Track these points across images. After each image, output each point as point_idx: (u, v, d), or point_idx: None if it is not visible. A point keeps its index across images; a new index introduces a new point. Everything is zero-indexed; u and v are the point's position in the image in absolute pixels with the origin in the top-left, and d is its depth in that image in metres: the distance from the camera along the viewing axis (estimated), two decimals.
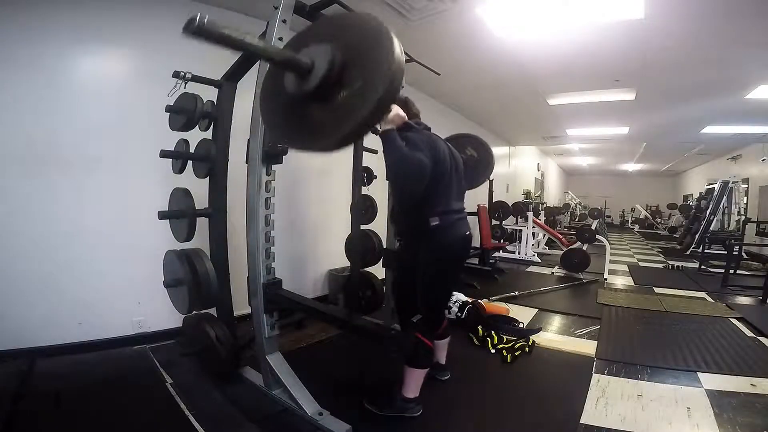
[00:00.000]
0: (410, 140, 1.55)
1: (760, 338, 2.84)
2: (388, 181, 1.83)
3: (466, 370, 2.24)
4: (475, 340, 2.65)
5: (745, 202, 8.09)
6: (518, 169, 9.77)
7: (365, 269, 2.88)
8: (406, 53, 2.64)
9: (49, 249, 2.28)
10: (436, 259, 1.70)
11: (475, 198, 5.90)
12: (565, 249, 5.44)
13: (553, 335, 2.90)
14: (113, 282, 2.46)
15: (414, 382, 1.75)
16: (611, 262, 5.50)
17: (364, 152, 3.30)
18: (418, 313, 1.83)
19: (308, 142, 1.12)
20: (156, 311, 2.52)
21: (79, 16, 2.30)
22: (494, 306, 3.29)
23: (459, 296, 3.10)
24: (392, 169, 1.46)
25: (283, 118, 1.17)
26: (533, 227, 6.57)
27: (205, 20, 0.79)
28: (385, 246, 2.91)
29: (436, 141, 1.74)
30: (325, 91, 1.01)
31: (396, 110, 1.54)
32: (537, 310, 3.50)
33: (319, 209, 3.67)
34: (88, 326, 2.37)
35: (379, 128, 1.47)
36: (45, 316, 2.26)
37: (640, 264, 6.52)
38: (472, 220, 3.71)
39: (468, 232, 1.80)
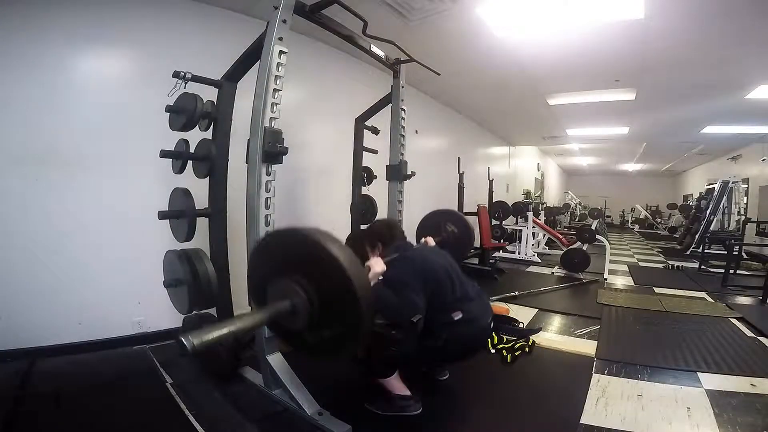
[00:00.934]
0: (392, 282, 1.58)
1: (760, 338, 2.84)
2: (388, 181, 1.84)
3: (465, 370, 2.23)
4: None
5: (745, 202, 8.09)
6: (518, 169, 9.77)
7: None
8: (406, 53, 2.66)
9: (49, 249, 2.28)
10: (454, 350, 1.74)
11: (475, 198, 5.90)
12: (565, 249, 5.44)
13: (553, 335, 2.90)
14: (113, 282, 2.46)
15: (393, 386, 1.76)
16: (611, 262, 5.50)
17: (364, 152, 3.31)
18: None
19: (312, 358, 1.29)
20: (156, 311, 2.52)
21: (79, 16, 2.30)
22: (494, 306, 3.28)
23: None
24: (387, 318, 1.52)
25: (284, 337, 1.28)
26: (533, 227, 6.57)
27: (195, 342, 0.84)
28: None
29: (425, 258, 1.78)
30: (317, 323, 1.09)
31: (373, 268, 1.55)
32: (537, 310, 3.50)
33: (319, 209, 3.66)
34: (88, 326, 2.37)
35: None
36: (45, 316, 2.26)
37: (640, 264, 6.52)
38: (472, 220, 3.71)
39: (489, 320, 1.85)
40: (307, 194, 3.57)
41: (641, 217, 14.65)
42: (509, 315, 3.07)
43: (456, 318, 1.69)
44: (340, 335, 1.08)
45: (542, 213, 8.05)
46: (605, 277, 4.90)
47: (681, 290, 4.43)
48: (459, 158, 5.47)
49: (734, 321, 3.24)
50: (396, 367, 1.76)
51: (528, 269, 5.65)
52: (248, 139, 1.79)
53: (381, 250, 1.87)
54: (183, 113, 2.07)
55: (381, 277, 1.59)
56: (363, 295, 1.01)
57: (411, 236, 2.40)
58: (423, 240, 2.29)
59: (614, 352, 2.53)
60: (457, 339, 1.71)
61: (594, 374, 2.22)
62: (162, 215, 1.99)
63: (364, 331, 1.05)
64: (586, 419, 1.76)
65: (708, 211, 7.60)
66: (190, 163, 2.17)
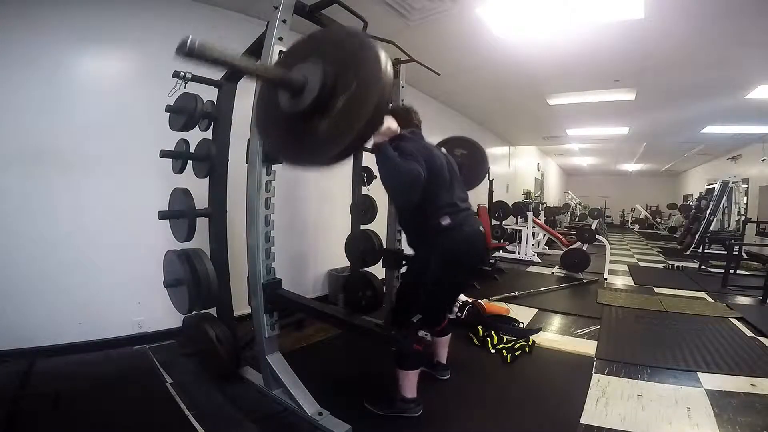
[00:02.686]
0: (402, 150, 1.54)
1: (760, 338, 2.84)
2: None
3: (466, 370, 2.24)
4: (475, 340, 2.65)
5: (745, 202, 8.09)
6: (518, 169, 9.77)
7: (365, 269, 2.88)
8: (406, 53, 2.65)
9: (49, 249, 2.28)
10: (457, 260, 1.67)
11: (475, 198, 5.90)
12: (565, 249, 5.44)
13: (553, 335, 2.90)
14: (113, 282, 2.46)
15: (408, 383, 1.74)
16: (611, 262, 5.50)
17: (364, 152, 3.30)
18: (419, 314, 1.82)
19: (306, 159, 1.15)
20: (156, 311, 2.52)
21: (79, 16, 2.30)
22: (494, 306, 3.28)
23: (459, 296, 3.10)
24: (386, 180, 1.46)
25: (280, 135, 1.19)
26: (533, 227, 6.57)
27: (197, 43, 0.81)
28: (385, 246, 2.91)
29: (431, 148, 1.75)
30: (319, 108, 1.03)
31: (388, 123, 1.53)
32: (537, 310, 3.50)
33: (319, 209, 3.67)
34: (88, 326, 2.37)
35: (371, 140, 1.47)
36: (45, 316, 2.26)
37: (640, 264, 6.52)
38: None
39: (481, 227, 1.79)
40: (307, 194, 3.57)
41: (641, 217, 14.65)
42: (509, 315, 3.07)
43: (444, 223, 1.64)
44: (348, 115, 1.01)
45: (542, 213, 8.05)
46: (605, 277, 4.90)
47: (681, 290, 4.43)
48: None
49: (734, 321, 3.24)
50: (420, 362, 1.75)
51: (528, 269, 5.65)
52: (248, 139, 1.79)
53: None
54: (183, 113, 2.07)
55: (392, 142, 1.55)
56: (384, 71, 0.97)
57: None
58: None
59: (614, 352, 2.53)
60: (454, 244, 1.65)
61: (594, 374, 2.22)
62: (162, 215, 1.99)
63: (370, 110, 0.97)
64: (586, 419, 1.76)
65: (708, 211, 7.60)
66: (190, 163, 2.17)
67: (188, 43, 0.81)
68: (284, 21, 1.74)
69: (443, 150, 1.87)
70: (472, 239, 1.74)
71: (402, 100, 2.75)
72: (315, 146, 1.07)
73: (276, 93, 1.14)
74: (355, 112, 0.99)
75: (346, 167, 3.36)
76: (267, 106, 1.23)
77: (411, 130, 1.79)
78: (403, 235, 2.34)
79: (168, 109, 2.10)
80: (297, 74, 1.04)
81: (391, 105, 2.05)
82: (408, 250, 2.10)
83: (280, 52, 1.73)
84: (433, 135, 5.89)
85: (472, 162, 2.60)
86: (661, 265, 6.36)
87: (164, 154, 2.07)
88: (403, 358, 1.72)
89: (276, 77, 1.04)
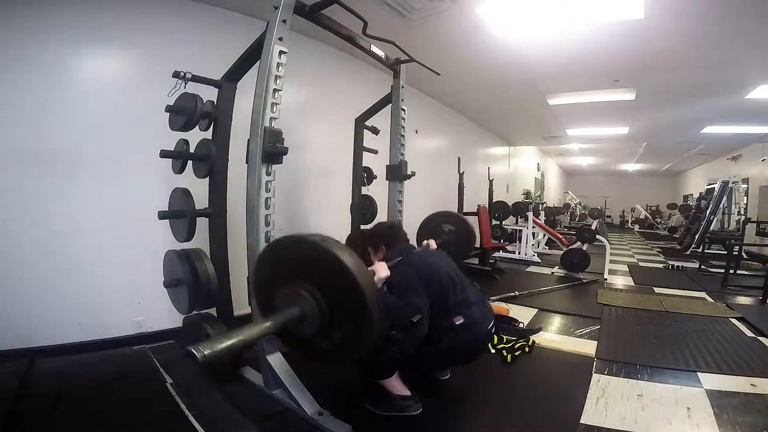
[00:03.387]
0: (397, 286, 1.58)
1: (760, 338, 2.84)
2: (388, 181, 1.85)
3: (466, 370, 2.23)
4: None
5: (745, 202, 8.09)
6: (518, 169, 9.77)
7: None
8: (406, 53, 2.66)
9: (49, 249, 2.28)
10: (454, 353, 1.74)
11: (475, 198, 5.90)
12: (565, 249, 5.44)
13: (553, 335, 2.90)
14: (113, 282, 2.46)
15: (393, 387, 1.75)
16: (611, 262, 5.50)
17: (364, 152, 3.31)
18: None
19: (316, 362, 1.31)
20: (156, 311, 2.52)
21: (79, 16, 2.30)
22: (494, 306, 3.28)
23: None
24: (389, 321, 1.49)
25: (291, 344, 1.31)
26: (533, 227, 6.57)
27: (206, 353, 0.86)
28: None
29: (425, 264, 1.78)
30: (322, 334, 1.12)
31: (378, 273, 1.53)
32: (537, 310, 3.49)
33: (319, 209, 3.66)
34: (88, 326, 2.37)
35: None
36: (45, 316, 2.26)
37: (640, 264, 6.52)
38: (472, 220, 3.71)
39: (491, 326, 1.84)
40: (307, 194, 3.57)
41: (641, 217, 14.65)
42: (509, 315, 3.07)
43: (458, 323, 1.69)
44: (351, 338, 1.09)
45: (542, 213, 8.05)
46: (605, 277, 4.90)
47: (681, 290, 4.43)
48: (459, 158, 5.47)
49: (734, 321, 3.23)
50: (395, 368, 1.76)
51: (528, 269, 5.65)
52: (248, 139, 1.79)
53: (384, 252, 1.87)
54: (183, 113, 2.07)
55: (384, 282, 1.59)
56: (371, 298, 1.03)
57: (411, 236, 2.40)
58: (425, 242, 2.29)
59: (614, 352, 2.53)
60: (458, 344, 1.71)
61: (594, 374, 2.22)
62: (162, 215, 1.99)
63: (375, 333, 1.06)
64: (586, 419, 1.76)
65: (708, 211, 7.60)
66: (190, 163, 2.17)
67: (200, 358, 0.86)
68: (284, 21, 1.74)
69: (440, 255, 1.94)
70: (480, 340, 1.83)
71: (402, 100, 2.75)
72: (323, 355, 1.20)
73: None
74: (351, 347, 1.13)
75: (346, 167, 3.37)
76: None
77: (399, 248, 1.83)
78: None
79: (168, 109, 2.10)
80: (293, 306, 1.10)
81: (375, 228, 2.10)
82: None
83: (280, 52, 1.73)
84: (433, 135, 5.89)
85: (459, 236, 2.69)
86: (661, 265, 6.36)
87: (164, 154, 2.07)
88: (373, 371, 1.75)
89: (282, 325, 1.10)
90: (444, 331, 1.68)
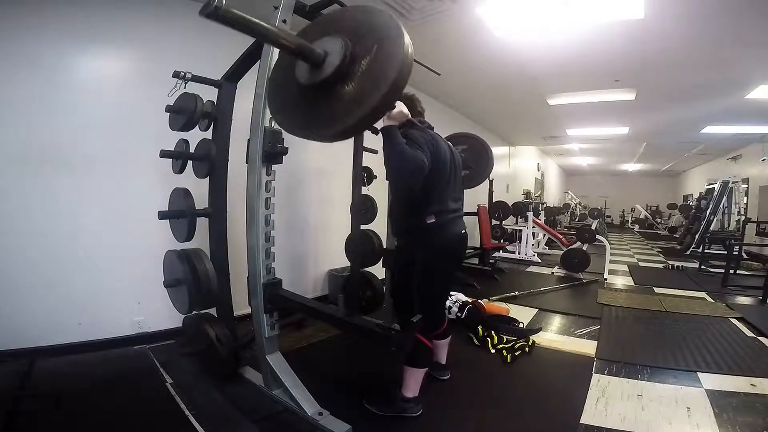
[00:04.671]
0: (411, 137, 1.56)
1: (760, 338, 2.84)
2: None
3: (466, 370, 2.24)
4: (475, 340, 2.65)
5: (745, 202, 8.09)
6: (518, 169, 9.77)
7: (365, 269, 2.88)
8: None
9: (49, 249, 2.28)
10: (432, 258, 1.70)
11: (475, 198, 5.90)
12: (565, 249, 5.44)
13: (553, 335, 2.90)
14: (113, 282, 2.46)
15: (413, 382, 1.75)
16: (611, 262, 5.50)
17: (364, 152, 3.30)
18: (417, 313, 1.82)
19: (318, 129, 1.15)
20: (156, 311, 2.52)
21: (79, 16, 2.30)
22: (494, 306, 3.28)
23: (459, 296, 3.10)
24: (390, 164, 1.46)
25: (293, 106, 1.20)
26: (533, 227, 6.57)
27: (223, 3, 0.83)
28: (385, 246, 2.91)
29: (438, 140, 1.75)
30: (337, 82, 1.05)
31: (399, 107, 1.53)
32: (537, 310, 3.50)
33: (319, 209, 3.66)
34: (88, 326, 2.37)
35: (381, 122, 1.47)
36: (45, 316, 2.26)
37: (640, 264, 6.52)
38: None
39: (463, 231, 1.82)
40: (307, 194, 3.57)
41: (641, 217, 14.65)
42: (509, 315, 3.07)
43: (428, 222, 1.67)
44: (360, 87, 1.03)
45: (542, 213, 8.05)
46: (605, 277, 4.90)
47: (681, 290, 4.43)
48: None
49: (734, 321, 3.24)
50: (431, 360, 1.79)
51: (528, 269, 5.65)
52: (248, 139, 1.79)
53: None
54: (183, 113, 2.08)
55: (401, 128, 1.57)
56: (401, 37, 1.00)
57: None
58: None
59: (614, 352, 2.53)
60: (430, 245, 1.69)
61: (594, 374, 2.22)
62: (162, 215, 1.99)
63: (386, 87, 0.99)
64: (586, 419, 1.76)
65: (708, 211, 7.60)
66: (190, 163, 2.17)
67: (214, 3, 0.83)
68: (284, 21, 1.74)
69: (450, 146, 1.87)
70: (451, 243, 1.78)
71: None
72: (330, 117, 1.08)
73: (293, 65, 1.15)
74: (371, 86, 1.01)
75: (346, 167, 3.36)
76: (283, 77, 1.25)
77: (418, 119, 1.79)
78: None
79: (168, 109, 2.10)
80: (318, 47, 1.06)
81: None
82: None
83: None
84: None
85: (476, 159, 2.61)
86: (661, 265, 6.36)
87: (164, 154, 2.07)
88: (413, 356, 1.72)
89: (298, 46, 1.04)
90: (418, 226, 1.68)
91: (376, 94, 0.99)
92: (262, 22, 0.94)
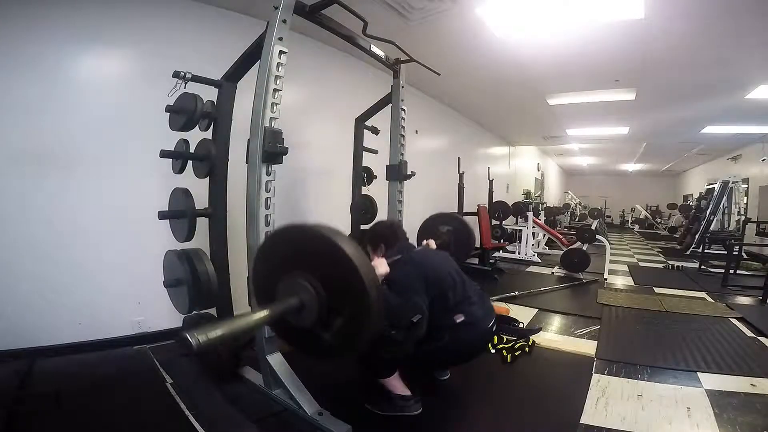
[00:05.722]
0: (397, 284, 1.58)
1: (760, 338, 2.84)
2: (388, 181, 1.84)
3: (466, 370, 2.23)
4: None
5: (745, 202, 8.08)
6: (518, 169, 9.77)
7: None
8: (406, 53, 2.66)
9: (49, 249, 2.28)
10: (455, 351, 1.73)
11: (475, 198, 5.90)
12: (565, 249, 5.44)
13: (553, 335, 2.90)
14: (113, 282, 2.46)
15: (393, 386, 1.75)
16: (611, 262, 5.50)
17: (364, 152, 3.31)
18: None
19: (317, 358, 1.28)
20: (156, 311, 2.52)
21: (79, 16, 2.30)
22: (494, 306, 3.28)
23: None
24: (389, 319, 1.48)
25: (292, 338, 1.27)
26: (533, 227, 6.57)
27: (200, 340, 0.84)
28: None
29: (425, 262, 1.78)
30: (321, 325, 1.10)
31: (377, 269, 1.52)
32: (537, 310, 3.49)
33: (318, 209, 3.66)
34: (88, 326, 2.37)
35: None
36: (45, 316, 2.26)
37: (640, 264, 6.52)
38: (472, 220, 3.72)
39: (492, 324, 1.83)
40: (307, 194, 3.57)
41: (641, 217, 14.65)
42: (509, 315, 3.07)
43: (458, 321, 1.68)
44: (351, 325, 1.07)
45: (542, 213, 8.05)
46: (605, 277, 4.90)
47: (681, 290, 4.42)
48: (459, 158, 5.47)
49: (734, 321, 3.23)
50: (395, 368, 1.76)
51: (528, 269, 5.65)
52: (248, 139, 1.79)
53: (384, 251, 1.87)
54: (183, 113, 2.07)
55: (384, 279, 1.58)
56: (370, 281, 1.01)
57: (411, 236, 2.40)
58: (424, 242, 2.29)
59: (614, 352, 2.53)
60: (459, 342, 1.71)
61: (594, 374, 2.22)
62: (162, 215, 1.99)
63: (375, 319, 1.04)
64: (586, 419, 1.76)
65: (708, 211, 7.60)
66: (190, 163, 2.17)
67: (193, 345, 0.83)
68: (284, 21, 1.74)
69: (440, 254, 1.95)
70: (481, 339, 1.83)
71: (402, 100, 2.75)
72: (323, 350, 1.16)
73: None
74: (351, 337, 1.10)
75: (346, 167, 3.37)
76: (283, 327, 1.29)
77: (399, 247, 1.82)
78: None
79: (168, 109, 2.10)
80: (292, 296, 1.08)
81: (375, 227, 2.09)
82: None
83: (280, 52, 1.73)
84: (433, 135, 5.89)
85: (458, 236, 2.69)
86: (661, 265, 6.36)
87: (164, 154, 2.07)
88: (374, 370, 1.75)
89: (279, 314, 1.08)
90: (444, 329, 1.68)
91: (360, 337, 1.08)
92: (238, 324, 0.97)
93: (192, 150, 2.15)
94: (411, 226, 2.68)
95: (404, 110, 2.76)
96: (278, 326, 1.29)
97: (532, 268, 5.69)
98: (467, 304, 1.74)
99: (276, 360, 1.84)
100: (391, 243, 1.88)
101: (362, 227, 3.11)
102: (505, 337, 2.67)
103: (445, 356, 1.79)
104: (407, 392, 1.76)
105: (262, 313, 1.04)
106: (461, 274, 1.86)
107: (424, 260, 1.79)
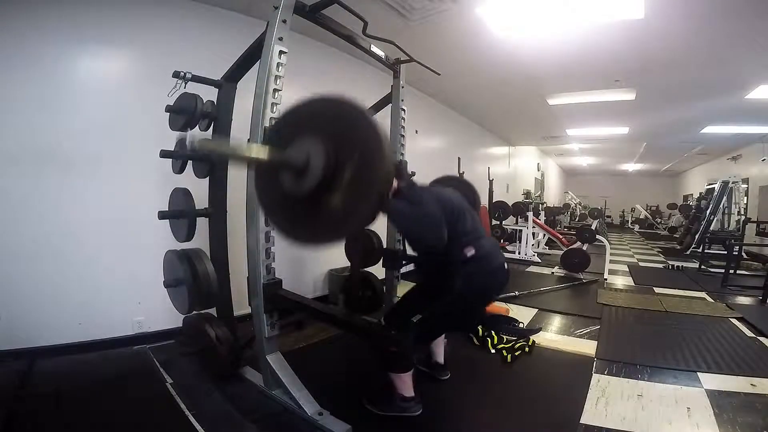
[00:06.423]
0: (413, 200, 1.54)
1: (760, 338, 2.84)
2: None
3: (466, 370, 2.23)
4: (475, 340, 2.65)
5: (745, 202, 8.08)
6: (518, 169, 9.77)
7: (365, 269, 2.88)
8: (406, 53, 2.65)
9: (49, 249, 2.28)
10: (471, 292, 1.64)
11: None
12: (565, 249, 5.44)
13: (553, 335, 2.90)
14: (113, 282, 2.46)
15: (402, 384, 1.74)
16: (611, 262, 5.50)
17: None
18: (425, 333, 1.79)
19: (312, 239, 1.15)
20: (156, 311, 2.52)
21: (79, 16, 2.30)
22: (494, 306, 3.28)
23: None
24: (408, 232, 1.45)
25: (283, 214, 1.18)
26: (533, 227, 6.57)
27: (196, 144, 0.82)
28: (385, 246, 2.90)
29: (439, 190, 1.76)
30: (327, 184, 1.02)
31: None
32: (537, 310, 3.49)
33: None
34: (88, 326, 2.37)
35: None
36: (45, 316, 2.26)
37: (640, 264, 6.52)
38: None
39: (506, 264, 1.76)
40: None
41: (641, 217, 14.65)
42: (509, 315, 3.06)
43: (469, 254, 1.61)
44: (361, 177, 1.00)
45: (542, 213, 8.05)
46: (605, 277, 4.90)
47: (681, 290, 4.42)
48: (459, 158, 5.47)
49: (734, 321, 3.23)
50: (412, 364, 1.75)
51: (528, 269, 5.65)
52: (248, 139, 1.79)
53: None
54: (183, 113, 2.07)
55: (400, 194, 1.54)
56: (380, 129, 0.99)
57: None
58: None
59: (614, 352, 2.53)
60: (472, 285, 1.63)
61: (594, 374, 2.22)
62: (162, 215, 1.99)
63: (386, 167, 0.98)
64: (586, 419, 1.76)
65: (708, 211, 7.60)
66: (190, 163, 2.17)
67: (188, 142, 0.83)
68: (284, 21, 1.74)
69: (449, 191, 1.89)
70: (498, 273, 1.73)
71: (402, 100, 2.75)
72: (330, 222, 1.05)
73: (277, 175, 1.12)
74: (365, 179, 0.99)
75: None
76: (268, 189, 1.21)
77: (408, 182, 1.77)
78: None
79: (168, 109, 2.10)
80: (297, 153, 1.02)
81: None
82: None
83: (280, 52, 1.73)
84: (433, 135, 5.87)
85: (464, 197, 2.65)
86: (661, 265, 6.36)
87: (164, 154, 2.07)
88: (392, 362, 1.72)
89: (277, 161, 1.02)
90: (456, 264, 1.62)
91: (366, 202, 0.99)
92: (238, 148, 0.92)
93: None
94: None
95: (404, 110, 2.76)
96: (275, 193, 1.17)
97: (532, 268, 5.68)
98: (475, 238, 1.67)
99: (276, 360, 1.84)
100: (401, 173, 1.76)
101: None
102: (505, 337, 2.67)
103: (461, 308, 1.70)
104: (411, 393, 1.76)
105: (264, 150, 0.98)
106: (471, 211, 1.80)
107: (437, 189, 1.76)
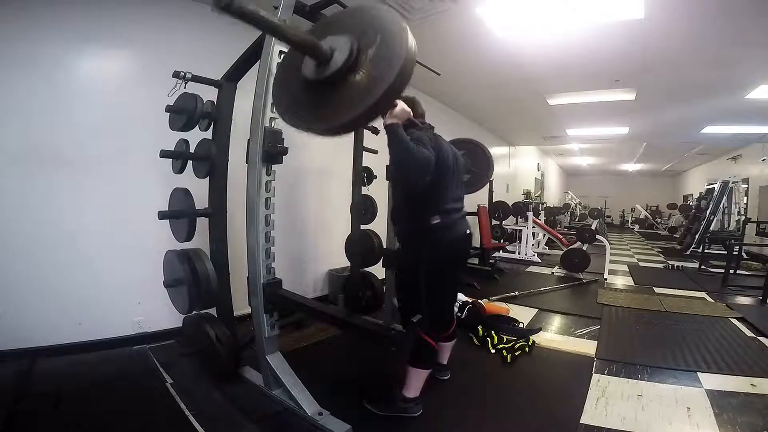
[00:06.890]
0: (415, 137, 1.56)
1: (760, 338, 2.84)
2: (389, 180, 1.82)
3: (466, 370, 2.23)
4: (475, 340, 2.65)
5: (745, 202, 8.08)
6: (518, 169, 9.77)
7: (365, 269, 2.88)
8: None
9: (49, 249, 2.28)
10: (437, 259, 1.69)
11: (475, 198, 5.90)
12: (565, 249, 5.44)
13: (553, 335, 2.90)
14: (113, 282, 2.46)
15: (416, 382, 1.74)
16: (611, 262, 5.50)
17: (364, 152, 3.31)
18: (427, 314, 1.82)
19: (318, 123, 1.17)
20: (156, 311, 2.52)
21: (79, 16, 2.30)
22: (494, 306, 3.28)
23: (459, 296, 3.10)
24: (396, 161, 1.46)
25: (295, 99, 1.24)
26: (533, 227, 6.57)
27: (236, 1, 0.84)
28: (385, 246, 2.91)
29: (440, 141, 1.76)
30: (346, 73, 1.08)
31: (402, 105, 1.53)
32: (537, 310, 3.50)
33: (319, 209, 3.66)
34: (88, 326, 2.37)
35: (384, 121, 1.46)
36: (45, 316, 2.26)
37: (640, 264, 6.52)
38: (472, 221, 3.71)
39: (468, 231, 1.82)
40: (307, 194, 3.57)
41: (641, 217, 14.66)
42: (509, 315, 3.07)
43: (434, 222, 1.67)
44: (362, 84, 1.06)
45: (542, 213, 8.05)
46: (605, 277, 4.90)
47: (681, 290, 4.43)
48: None
49: (734, 321, 3.24)
50: (435, 360, 1.77)
51: (528, 269, 5.65)
52: (248, 139, 1.79)
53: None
54: (183, 113, 2.08)
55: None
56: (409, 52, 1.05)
57: None
58: None
59: (614, 352, 2.53)
60: (440, 242, 1.69)
61: (594, 374, 2.22)
62: (162, 215, 1.99)
63: (387, 85, 1.02)
64: (586, 419, 1.76)
65: (708, 211, 7.60)
66: (190, 163, 2.17)
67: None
68: (284, 21, 1.73)
69: (453, 147, 1.88)
70: (457, 243, 1.78)
71: None
72: (330, 112, 1.11)
73: (298, 64, 1.18)
74: (373, 84, 1.04)
75: (346, 167, 3.37)
76: (287, 71, 1.28)
77: (420, 120, 1.79)
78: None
79: (168, 109, 2.10)
80: (325, 44, 1.10)
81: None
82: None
83: (280, 52, 1.73)
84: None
85: (476, 163, 2.61)
86: (661, 265, 6.36)
87: (164, 154, 2.07)
88: (418, 356, 1.72)
89: (306, 42, 1.07)
90: (424, 226, 1.68)
91: (389, 74, 1.03)
92: (272, 18, 0.97)
93: (192, 150, 2.15)
94: None
95: None
96: (290, 78, 1.26)
97: (532, 268, 5.69)
98: (447, 210, 1.71)
99: (276, 360, 1.84)
100: (417, 110, 1.82)
101: (362, 227, 3.11)
102: (505, 337, 2.67)
103: (440, 274, 1.73)
104: (418, 393, 1.76)
105: (297, 28, 1.05)
106: (461, 175, 1.84)
107: (438, 138, 1.77)
